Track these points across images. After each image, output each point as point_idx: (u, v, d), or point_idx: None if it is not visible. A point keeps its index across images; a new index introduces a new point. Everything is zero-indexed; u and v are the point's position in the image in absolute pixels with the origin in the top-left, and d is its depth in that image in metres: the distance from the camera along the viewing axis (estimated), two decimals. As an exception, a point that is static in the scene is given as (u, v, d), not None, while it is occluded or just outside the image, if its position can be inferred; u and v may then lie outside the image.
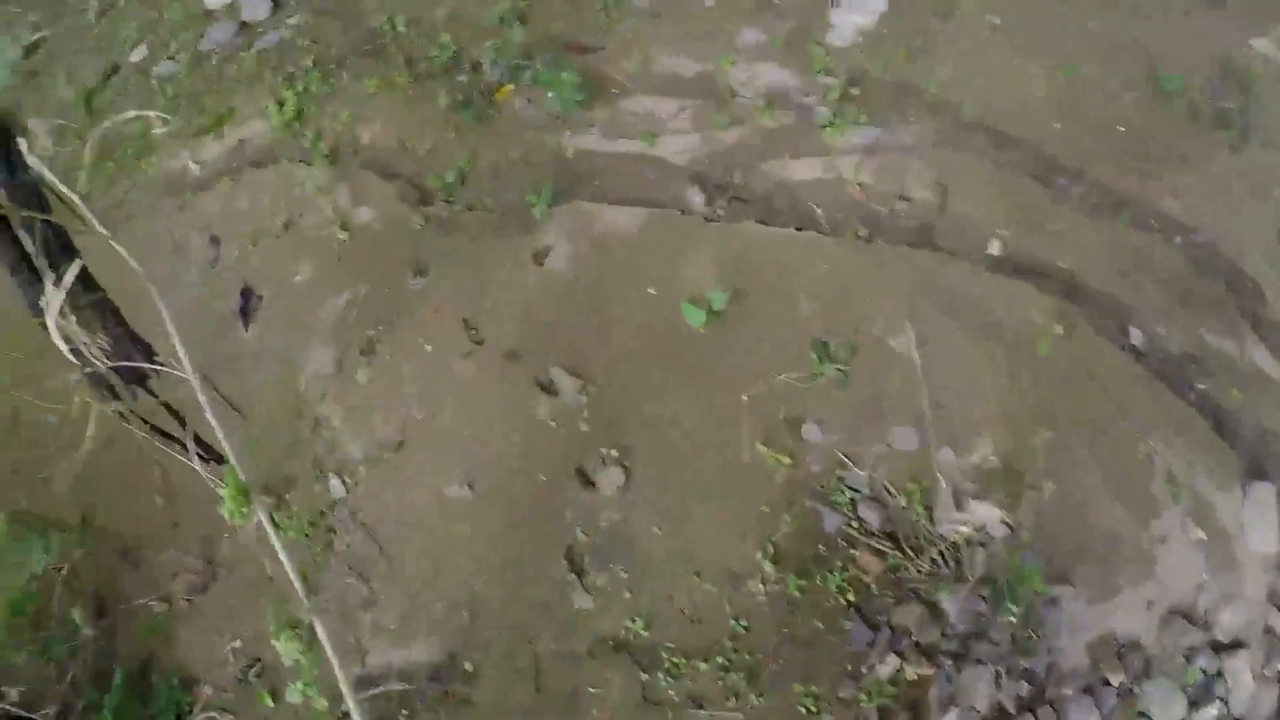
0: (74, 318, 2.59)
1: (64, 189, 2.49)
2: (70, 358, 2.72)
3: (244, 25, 5.35)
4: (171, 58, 5.43)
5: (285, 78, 4.95)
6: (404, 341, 3.96)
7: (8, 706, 3.92)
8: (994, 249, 4.18)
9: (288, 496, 3.89)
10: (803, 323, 3.94)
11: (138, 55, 5.58)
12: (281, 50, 5.13)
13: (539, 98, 4.54)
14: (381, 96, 4.69)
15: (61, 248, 2.51)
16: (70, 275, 2.48)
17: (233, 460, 2.53)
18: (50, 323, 2.50)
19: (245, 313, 4.20)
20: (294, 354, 4.09)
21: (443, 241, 4.14)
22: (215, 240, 4.50)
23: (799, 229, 4.18)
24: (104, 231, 2.52)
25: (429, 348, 3.93)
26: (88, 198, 2.45)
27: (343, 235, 4.25)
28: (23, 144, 2.37)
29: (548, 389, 3.81)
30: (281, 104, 4.81)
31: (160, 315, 2.49)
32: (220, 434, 2.56)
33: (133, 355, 2.89)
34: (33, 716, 3.95)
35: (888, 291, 3.97)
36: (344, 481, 3.81)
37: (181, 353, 2.51)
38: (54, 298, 2.46)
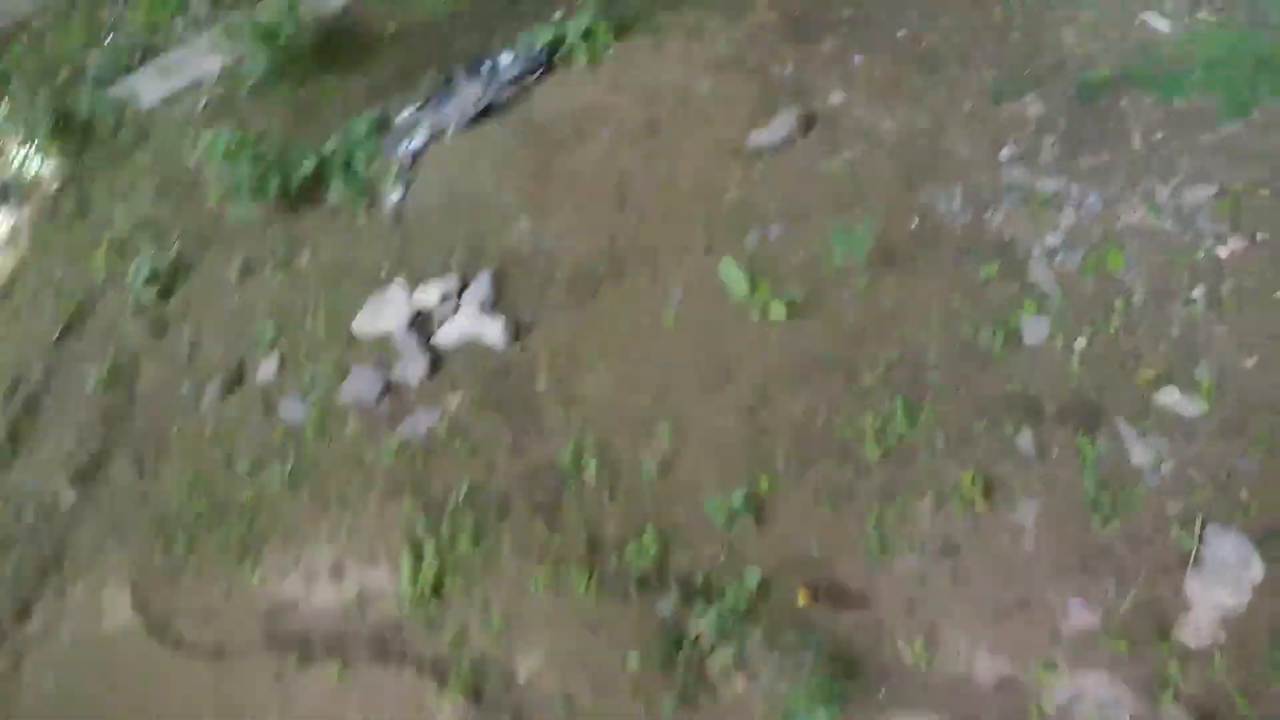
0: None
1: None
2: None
3: (389, 387, 4.14)
4: (304, 395, 4.32)
5: (426, 506, 3.73)
6: None
7: None
8: None
9: None
10: None
11: (267, 369, 4.51)
12: (429, 451, 3.89)
13: (766, 677, 3.14)
14: (548, 604, 3.40)
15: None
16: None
17: None
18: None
19: None
20: None
21: None
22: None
23: None
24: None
25: None
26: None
27: None
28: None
29: None
30: (419, 558, 3.62)
31: None
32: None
33: None
34: None
35: None
36: None
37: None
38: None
